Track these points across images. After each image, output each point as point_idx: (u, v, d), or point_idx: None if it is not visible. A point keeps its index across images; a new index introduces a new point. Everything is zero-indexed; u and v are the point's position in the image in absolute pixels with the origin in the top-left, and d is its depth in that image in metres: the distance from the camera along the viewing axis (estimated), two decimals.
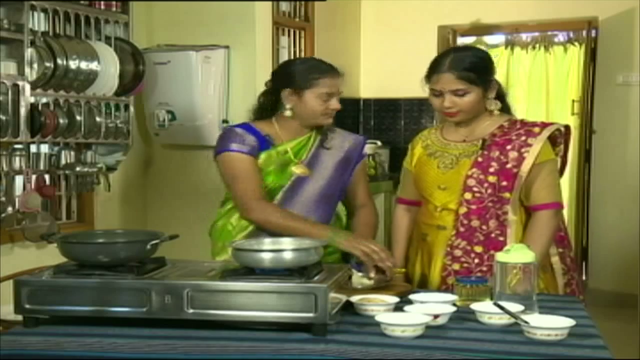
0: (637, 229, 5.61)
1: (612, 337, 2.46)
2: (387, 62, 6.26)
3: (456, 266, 2.63)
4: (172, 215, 4.72)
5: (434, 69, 2.64)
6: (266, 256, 2.13)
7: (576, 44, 6.76)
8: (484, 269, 2.59)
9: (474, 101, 2.63)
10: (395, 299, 2.26)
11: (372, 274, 2.47)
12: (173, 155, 4.79)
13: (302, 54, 5.49)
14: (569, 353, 1.91)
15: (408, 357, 1.89)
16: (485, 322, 2.14)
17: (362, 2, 6.46)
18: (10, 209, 3.72)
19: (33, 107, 3.63)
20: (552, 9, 6.00)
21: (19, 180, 3.77)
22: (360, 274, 2.48)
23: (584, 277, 6.05)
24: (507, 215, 2.62)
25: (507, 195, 2.61)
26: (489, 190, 2.61)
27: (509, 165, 2.61)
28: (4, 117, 3.52)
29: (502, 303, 2.13)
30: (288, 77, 2.75)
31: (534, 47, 7.02)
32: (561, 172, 2.77)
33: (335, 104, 2.73)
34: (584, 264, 6.10)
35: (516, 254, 2.24)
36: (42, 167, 3.91)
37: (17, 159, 3.73)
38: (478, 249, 2.62)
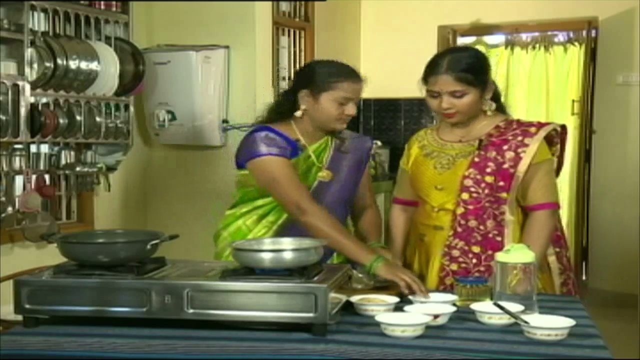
0: (637, 229, 5.60)
1: (612, 337, 2.46)
2: (387, 62, 6.25)
3: (454, 266, 2.63)
4: (172, 215, 4.71)
5: (432, 70, 2.63)
6: (266, 256, 2.13)
7: (576, 44, 6.74)
8: (482, 269, 2.59)
9: (471, 102, 2.62)
10: (395, 299, 2.26)
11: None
12: (173, 155, 4.78)
13: (302, 54, 5.49)
14: (569, 353, 1.91)
15: (408, 357, 1.90)
16: (485, 322, 2.14)
17: (362, 2, 6.46)
18: (10, 209, 3.72)
19: (33, 107, 3.62)
20: (552, 9, 6.00)
21: (19, 180, 3.77)
22: (360, 274, 2.48)
23: (584, 277, 6.06)
24: (504, 216, 2.62)
25: (504, 195, 2.61)
26: (486, 191, 2.61)
27: (505, 166, 2.61)
28: (4, 117, 3.51)
29: (502, 303, 2.13)
30: (307, 77, 2.68)
31: (534, 47, 7.01)
32: (557, 172, 2.77)
33: (350, 110, 2.65)
34: (583, 263, 6.10)
35: (516, 254, 2.25)
36: (42, 167, 3.90)
37: (17, 159, 3.72)
38: (476, 249, 2.62)
